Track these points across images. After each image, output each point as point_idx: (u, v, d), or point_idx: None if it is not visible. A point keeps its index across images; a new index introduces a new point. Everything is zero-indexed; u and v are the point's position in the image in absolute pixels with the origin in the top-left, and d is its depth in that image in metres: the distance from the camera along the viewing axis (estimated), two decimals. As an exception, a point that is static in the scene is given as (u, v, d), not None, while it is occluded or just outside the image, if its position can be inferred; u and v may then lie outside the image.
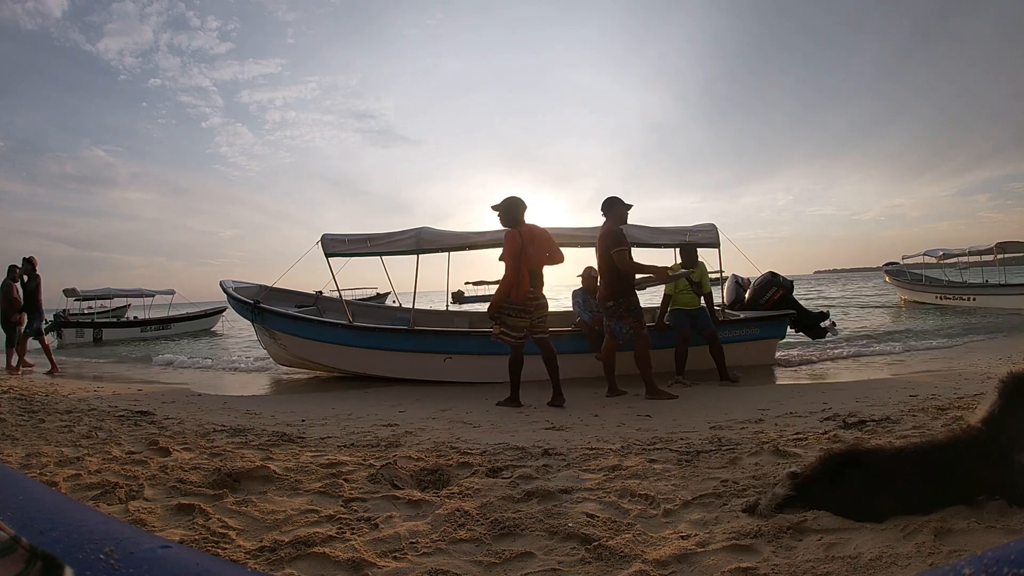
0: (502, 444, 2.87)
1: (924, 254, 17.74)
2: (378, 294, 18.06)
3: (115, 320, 18.57)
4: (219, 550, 1.51)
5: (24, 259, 7.76)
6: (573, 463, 2.40)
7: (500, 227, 4.78)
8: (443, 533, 1.63)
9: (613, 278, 4.68)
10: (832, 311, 7.90)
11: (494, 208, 4.59)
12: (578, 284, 6.40)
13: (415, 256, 6.32)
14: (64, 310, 17.16)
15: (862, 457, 1.64)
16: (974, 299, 14.76)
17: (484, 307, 5.67)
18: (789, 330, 6.80)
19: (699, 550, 1.45)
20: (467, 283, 8.23)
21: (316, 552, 1.50)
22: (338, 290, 6.97)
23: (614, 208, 4.80)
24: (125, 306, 21.94)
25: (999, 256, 15.33)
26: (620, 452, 2.60)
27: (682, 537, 1.55)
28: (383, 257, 6.80)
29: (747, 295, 7.17)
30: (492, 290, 5.53)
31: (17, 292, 7.70)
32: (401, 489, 2.07)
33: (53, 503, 0.76)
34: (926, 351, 7.74)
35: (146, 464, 2.41)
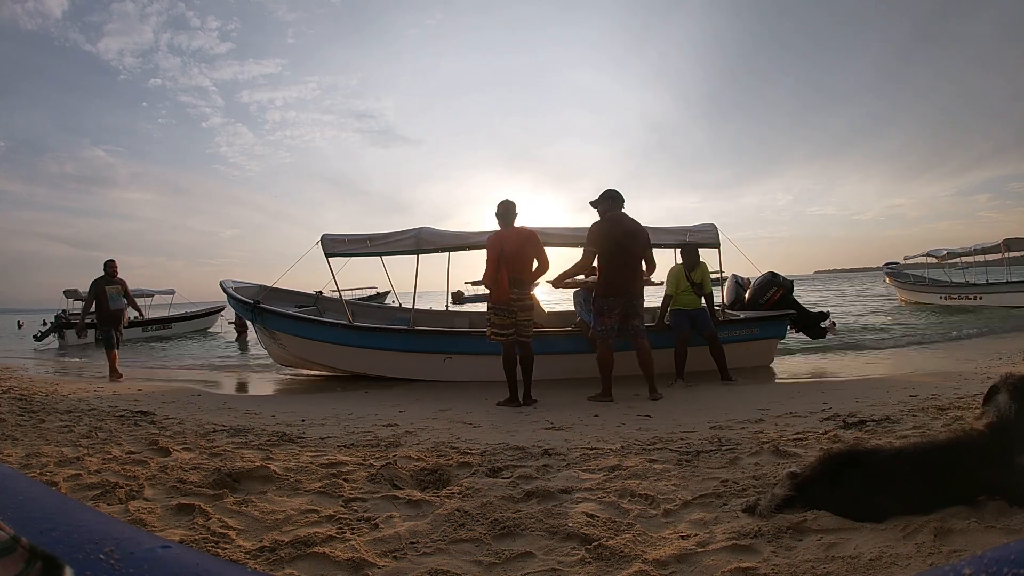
0: (502, 444, 2.87)
1: (927, 254, 17.57)
2: (377, 294, 18.07)
3: None
4: (219, 550, 1.51)
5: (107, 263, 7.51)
6: (573, 463, 2.40)
7: (500, 228, 4.81)
8: (443, 533, 1.63)
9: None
10: (832, 311, 7.90)
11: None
12: (578, 284, 6.41)
13: (415, 256, 6.32)
14: (64, 311, 17.18)
15: (862, 457, 1.64)
16: (980, 298, 14.57)
17: (483, 307, 5.71)
18: (789, 330, 6.80)
19: (699, 550, 1.45)
20: (466, 283, 8.23)
21: (316, 552, 1.50)
22: (338, 290, 6.98)
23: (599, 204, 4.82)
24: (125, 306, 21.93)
25: (1006, 254, 15.04)
26: (620, 452, 2.60)
27: (682, 537, 1.56)
28: (383, 257, 6.81)
29: (747, 295, 7.17)
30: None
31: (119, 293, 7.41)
32: (401, 489, 2.07)
33: (53, 503, 0.76)
34: (927, 350, 7.74)
35: (146, 464, 2.41)
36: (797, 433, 2.81)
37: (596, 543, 1.52)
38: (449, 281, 7.23)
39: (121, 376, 7.07)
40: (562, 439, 3.05)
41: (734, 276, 7.43)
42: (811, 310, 7.07)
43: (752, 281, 7.22)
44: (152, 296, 19.77)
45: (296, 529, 1.67)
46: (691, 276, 5.64)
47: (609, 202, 4.72)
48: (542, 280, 4.92)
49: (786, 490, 1.65)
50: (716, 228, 6.36)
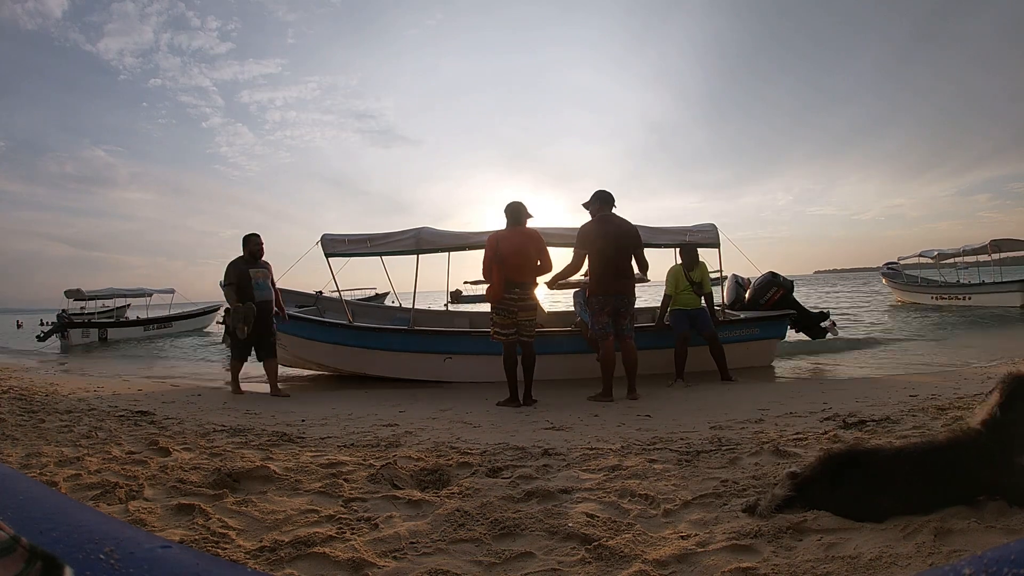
0: (502, 444, 2.87)
1: (919, 255, 17.93)
2: (377, 294, 18.09)
3: (115, 320, 18.64)
4: (219, 550, 1.51)
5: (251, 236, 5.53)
6: (573, 463, 2.40)
7: (500, 228, 4.82)
8: (443, 533, 1.63)
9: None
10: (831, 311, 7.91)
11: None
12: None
13: (415, 256, 6.32)
14: (64, 310, 17.21)
15: (862, 457, 1.64)
16: (969, 298, 15.07)
17: (482, 307, 5.71)
18: (789, 330, 6.80)
19: (699, 550, 1.45)
20: (465, 282, 8.24)
21: (316, 552, 1.50)
22: (338, 290, 6.98)
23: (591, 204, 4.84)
24: (125, 306, 22.05)
25: (993, 254, 15.55)
26: (620, 452, 2.60)
27: (682, 537, 1.55)
28: (383, 257, 6.81)
29: (747, 295, 7.18)
30: None
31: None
32: (401, 489, 2.07)
33: (53, 503, 0.76)
34: (927, 350, 7.74)
35: (146, 464, 2.41)
36: (797, 433, 2.81)
37: (596, 543, 1.52)
38: (449, 281, 7.23)
39: (286, 395, 5.36)
40: (562, 439, 3.05)
41: (734, 276, 7.44)
42: (811, 310, 7.08)
43: (752, 281, 7.22)
44: (151, 295, 19.94)
45: (296, 529, 1.67)
46: (690, 276, 5.65)
47: (599, 203, 4.76)
48: (539, 281, 4.93)
49: (786, 490, 1.65)
50: (716, 228, 6.36)
